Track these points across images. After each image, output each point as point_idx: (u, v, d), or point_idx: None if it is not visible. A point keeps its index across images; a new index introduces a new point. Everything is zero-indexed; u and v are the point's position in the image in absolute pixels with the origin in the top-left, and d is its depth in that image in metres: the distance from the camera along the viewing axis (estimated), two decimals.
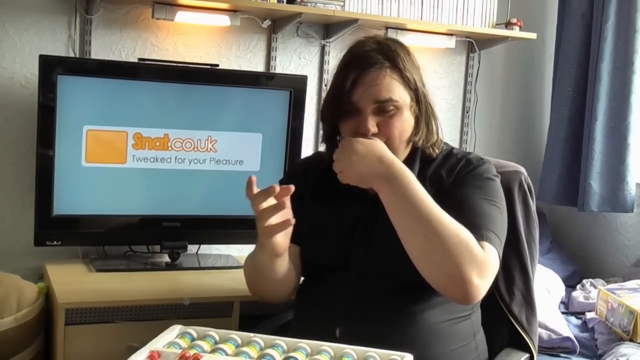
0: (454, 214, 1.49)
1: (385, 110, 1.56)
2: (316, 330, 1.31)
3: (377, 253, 1.59)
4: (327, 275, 1.64)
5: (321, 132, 2.84)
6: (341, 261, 1.61)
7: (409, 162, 1.63)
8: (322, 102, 1.66)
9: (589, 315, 2.69)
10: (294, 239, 1.60)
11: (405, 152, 1.64)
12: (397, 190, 1.47)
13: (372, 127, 1.56)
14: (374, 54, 1.58)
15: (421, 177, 1.61)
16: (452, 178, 1.61)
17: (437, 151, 1.67)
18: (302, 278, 1.75)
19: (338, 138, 1.67)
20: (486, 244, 1.48)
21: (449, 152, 1.69)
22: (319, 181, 1.71)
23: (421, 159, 1.66)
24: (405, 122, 1.59)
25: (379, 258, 1.58)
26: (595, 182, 3.04)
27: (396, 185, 1.46)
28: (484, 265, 1.45)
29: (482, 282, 1.44)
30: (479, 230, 1.48)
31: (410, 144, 1.64)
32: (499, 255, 1.51)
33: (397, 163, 1.49)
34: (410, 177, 1.48)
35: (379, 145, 1.51)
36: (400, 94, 1.57)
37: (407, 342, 1.25)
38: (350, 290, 1.58)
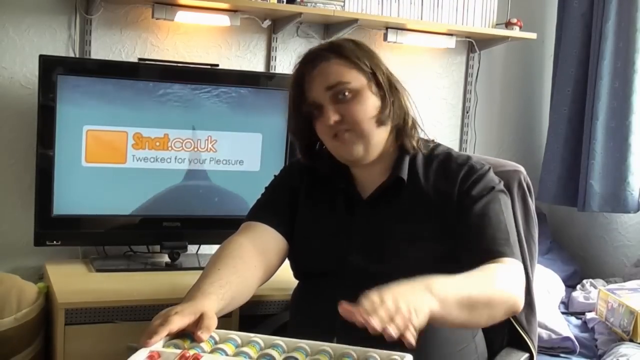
0: (473, 231, 1.52)
1: (341, 94, 1.55)
2: (313, 339, 1.31)
3: (374, 257, 1.57)
4: (322, 281, 1.61)
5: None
6: (336, 267, 1.59)
7: (396, 160, 1.62)
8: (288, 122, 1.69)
9: (589, 315, 2.69)
10: (280, 227, 1.61)
11: (380, 135, 1.58)
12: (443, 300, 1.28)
13: (334, 116, 1.54)
14: (316, 51, 1.60)
15: (417, 187, 1.60)
16: (457, 187, 1.58)
17: (415, 143, 1.62)
18: (297, 282, 1.73)
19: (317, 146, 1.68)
20: (513, 260, 1.49)
21: (448, 157, 1.64)
22: (315, 183, 1.70)
23: (411, 158, 1.62)
24: (367, 103, 1.56)
25: (376, 262, 1.56)
26: (596, 183, 3.03)
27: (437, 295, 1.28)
28: (522, 284, 1.49)
29: (523, 294, 1.49)
30: (505, 249, 1.50)
31: (388, 128, 1.59)
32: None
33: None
34: (437, 283, 1.28)
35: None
36: (351, 77, 1.55)
37: (407, 348, 1.25)
38: (347, 298, 1.56)
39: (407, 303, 1.17)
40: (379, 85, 1.58)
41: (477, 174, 1.59)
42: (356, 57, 1.57)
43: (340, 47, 1.59)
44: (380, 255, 1.57)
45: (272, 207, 1.69)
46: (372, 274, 1.56)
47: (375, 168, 1.62)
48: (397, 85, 1.62)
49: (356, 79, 1.56)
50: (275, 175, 1.79)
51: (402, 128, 1.62)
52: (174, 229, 2.48)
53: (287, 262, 1.69)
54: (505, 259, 1.48)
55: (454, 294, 1.29)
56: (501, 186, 1.62)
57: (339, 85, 1.54)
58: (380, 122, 1.58)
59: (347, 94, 1.55)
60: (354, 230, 1.61)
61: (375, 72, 1.58)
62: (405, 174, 1.60)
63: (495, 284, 1.40)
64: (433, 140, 1.70)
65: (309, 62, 1.59)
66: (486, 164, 1.65)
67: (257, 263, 1.55)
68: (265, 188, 1.76)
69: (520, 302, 1.46)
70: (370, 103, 1.57)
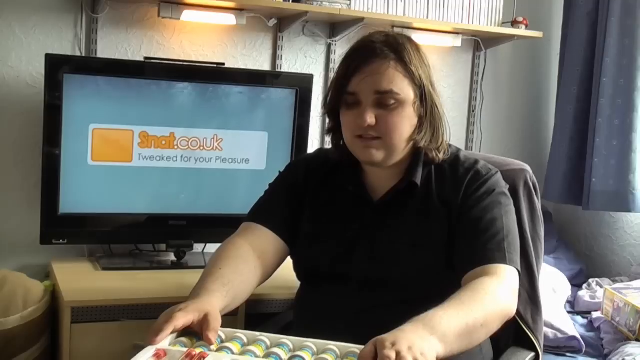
0: (468, 236, 1.51)
1: (386, 103, 1.51)
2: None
3: (380, 262, 1.56)
4: (327, 284, 1.60)
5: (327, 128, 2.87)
6: (342, 269, 1.58)
7: (411, 164, 1.60)
8: (326, 95, 1.64)
9: (595, 314, 2.68)
10: (279, 230, 1.60)
11: (405, 151, 1.58)
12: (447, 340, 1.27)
13: (370, 118, 1.50)
14: (379, 45, 1.52)
15: (428, 193, 1.58)
16: (462, 193, 1.56)
17: (441, 156, 1.60)
18: (300, 283, 1.72)
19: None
20: (504, 267, 1.47)
21: (455, 159, 1.63)
22: (322, 183, 1.68)
23: (424, 162, 1.60)
24: (406, 119, 1.53)
25: (382, 267, 1.56)
26: (600, 181, 3.02)
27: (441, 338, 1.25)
28: (513, 291, 1.46)
29: (515, 300, 1.47)
30: (497, 255, 1.48)
31: (412, 143, 1.57)
32: (519, 272, 1.51)
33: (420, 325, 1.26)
34: (435, 321, 1.26)
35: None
36: (403, 88, 1.52)
37: None
38: (351, 302, 1.55)
39: (420, 350, 1.16)
40: (422, 102, 1.55)
41: (482, 179, 1.58)
42: (414, 66, 1.53)
43: (402, 50, 1.53)
44: (385, 259, 1.56)
45: (272, 208, 1.67)
46: (376, 278, 1.56)
47: (388, 171, 1.60)
48: (437, 102, 1.59)
49: (406, 91, 1.52)
50: (279, 172, 1.78)
51: (430, 146, 1.58)
52: (180, 227, 2.48)
53: (290, 261, 1.69)
54: (497, 266, 1.46)
55: (453, 328, 1.26)
56: (504, 189, 1.61)
57: (390, 93, 1.51)
58: (410, 139, 1.56)
59: (392, 103, 1.51)
60: (361, 233, 1.60)
61: (424, 88, 1.55)
62: (419, 179, 1.58)
63: (487, 303, 1.36)
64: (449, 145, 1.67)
65: (366, 53, 1.52)
66: (494, 168, 1.63)
67: (256, 264, 1.55)
68: (269, 185, 1.75)
69: (513, 309, 1.44)
70: (409, 121, 1.54)
